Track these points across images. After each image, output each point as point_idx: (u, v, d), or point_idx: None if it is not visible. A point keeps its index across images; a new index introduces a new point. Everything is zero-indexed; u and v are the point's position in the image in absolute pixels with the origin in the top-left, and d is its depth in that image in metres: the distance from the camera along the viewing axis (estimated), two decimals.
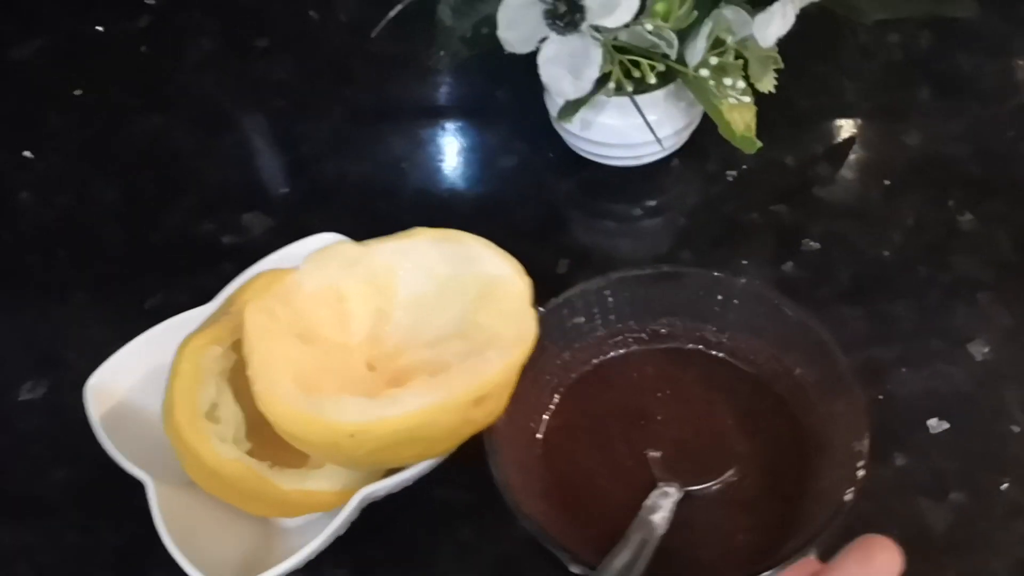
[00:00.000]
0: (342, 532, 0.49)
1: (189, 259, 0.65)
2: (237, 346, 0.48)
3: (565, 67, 0.51)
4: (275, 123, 0.74)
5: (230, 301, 0.51)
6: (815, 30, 0.58)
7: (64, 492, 0.56)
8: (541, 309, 0.51)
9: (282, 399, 0.45)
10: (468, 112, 0.73)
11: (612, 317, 0.54)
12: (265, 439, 0.47)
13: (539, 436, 0.53)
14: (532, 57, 0.55)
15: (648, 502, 0.47)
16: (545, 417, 0.53)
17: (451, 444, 0.48)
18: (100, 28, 0.81)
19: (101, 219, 0.69)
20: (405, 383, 0.47)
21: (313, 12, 0.80)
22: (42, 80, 0.78)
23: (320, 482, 0.48)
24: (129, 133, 0.74)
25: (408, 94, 0.75)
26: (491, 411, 0.48)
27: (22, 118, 0.75)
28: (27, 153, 0.73)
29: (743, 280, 0.53)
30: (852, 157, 0.67)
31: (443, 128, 0.72)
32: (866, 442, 0.46)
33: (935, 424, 0.54)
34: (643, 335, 0.55)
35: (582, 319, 0.54)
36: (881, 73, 0.71)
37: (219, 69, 0.77)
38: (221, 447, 0.46)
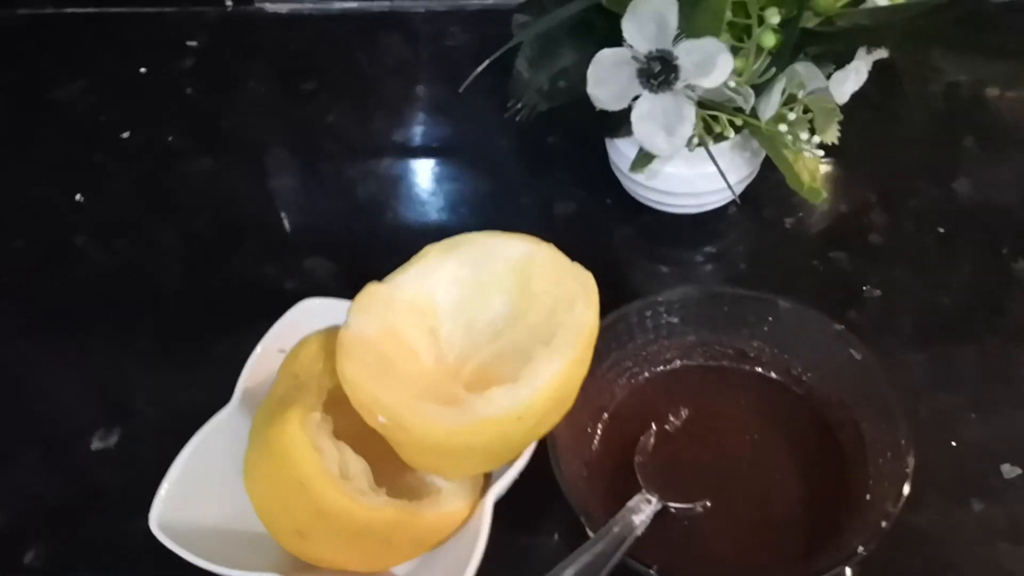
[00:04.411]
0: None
1: (254, 304, 0.65)
2: (327, 408, 0.49)
3: (659, 124, 0.52)
4: (329, 166, 0.74)
5: (291, 374, 0.51)
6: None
7: (145, 541, 0.55)
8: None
9: (438, 420, 0.47)
10: (525, 158, 0.74)
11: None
12: (387, 480, 0.48)
13: (600, 426, 0.56)
14: (591, 104, 0.56)
15: (631, 503, 0.51)
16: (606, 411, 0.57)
17: (574, 398, 0.50)
18: (143, 70, 0.81)
19: (160, 263, 0.69)
20: (487, 382, 0.48)
21: (361, 54, 0.81)
22: (87, 122, 0.78)
23: (452, 502, 0.50)
24: (180, 175, 0.74)
25: (462, 139, 0.75)
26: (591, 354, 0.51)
27: (71, 160, 0.75)
28: (79, 197, 0.73)
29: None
30: (904, 204, 0.68)
31: (500, 173, 0.73)
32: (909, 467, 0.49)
33: (1008, 470, 0.56)
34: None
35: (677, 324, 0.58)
36: (926, 122, 0.73)
37: (267, 111, 0.78)
38: (368, 499, 0.46)
